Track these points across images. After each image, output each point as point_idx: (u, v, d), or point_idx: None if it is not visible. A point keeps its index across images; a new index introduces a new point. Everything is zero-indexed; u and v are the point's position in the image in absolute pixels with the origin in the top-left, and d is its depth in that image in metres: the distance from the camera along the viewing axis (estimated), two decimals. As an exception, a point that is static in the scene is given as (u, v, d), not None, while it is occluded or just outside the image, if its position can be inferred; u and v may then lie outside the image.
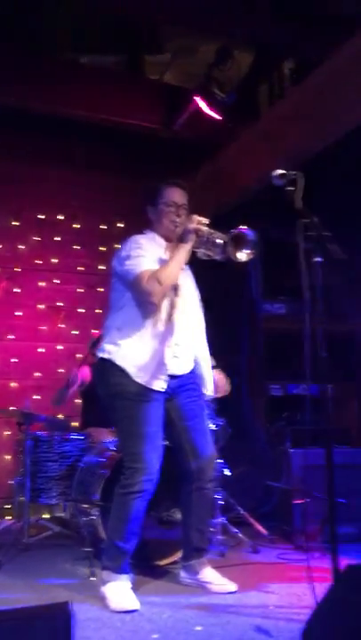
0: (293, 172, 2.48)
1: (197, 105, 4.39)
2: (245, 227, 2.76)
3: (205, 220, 2.85)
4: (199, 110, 4.47)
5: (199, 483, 2.94)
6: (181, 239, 2.85)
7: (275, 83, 4.97)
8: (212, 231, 2.82)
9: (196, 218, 2.85)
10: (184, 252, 2.83)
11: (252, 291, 5.39)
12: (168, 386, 2.88)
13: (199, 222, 2.83)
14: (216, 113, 4.27)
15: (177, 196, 2.98)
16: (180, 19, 4.16)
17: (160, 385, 2.81)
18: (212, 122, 4.65)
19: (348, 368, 4.99)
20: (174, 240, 2.93)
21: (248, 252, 2.75)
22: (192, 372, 3.02)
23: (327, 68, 4.01)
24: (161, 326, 2.85)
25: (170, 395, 2.91)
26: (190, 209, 3.01)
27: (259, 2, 3.87)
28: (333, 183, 4.93)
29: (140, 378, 2.79)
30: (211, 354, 3.29)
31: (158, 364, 2.82)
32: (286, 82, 4.85)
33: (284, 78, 4.89)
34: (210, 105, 4.27)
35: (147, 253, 2.86)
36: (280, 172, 2.53)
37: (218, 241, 2.79)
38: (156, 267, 2.81)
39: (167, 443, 3.19)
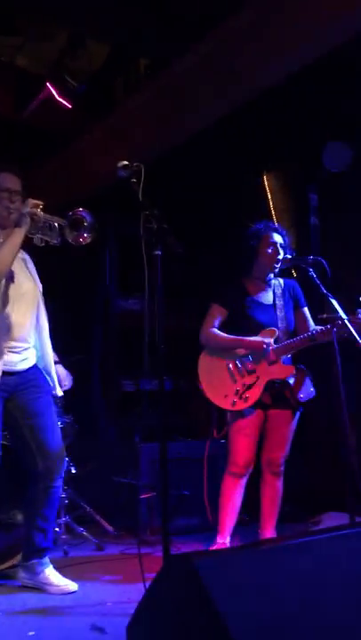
0: (136, 164, 2.46)
1: (49, 92, 4.25)
2: (83, 209, 2.71)
3: (41, 204, 2.76)
4: (52, 98, 4.33)
5: (47, 482, 2.84)
6: (17, 224, 2.74)
7: (130, 77, 4.96)
8: (49, 215, 2.74)
9: (32, 201, 2.76)
10: (19, 235, 2.72)
11: (107, 285, 5.36)
12: (7, 384, 2.75)
13: (35, 205, 2.74)
14: (67, 101, 4.17)
15: (10, 181, 2.85)
16: (29, 3, 4.00)
17: None
18: (65, 111, 4.53)
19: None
20: (9, 227, 2.80)
21: (86, 235, 2.70)
22: (35, 367, 2.91)
23: (179, 68, 4.06)
24: None
25: (10, 394, 2.79)
26: (40, 198, 2.90)
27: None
28: (181, 181, 5.05)
29: None
30: (60, 348, 3.20)
31: None
32: (141, 77, 4.86)
33: (139, 74, 4.89)
34: (61, 93, 4.16)
35: None
36: (124, 163, 2.51)
37: (55, 224, 2.73)
38: None
39: (5, 442, 3.05)
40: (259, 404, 3.16)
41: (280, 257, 3.27)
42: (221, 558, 1.54)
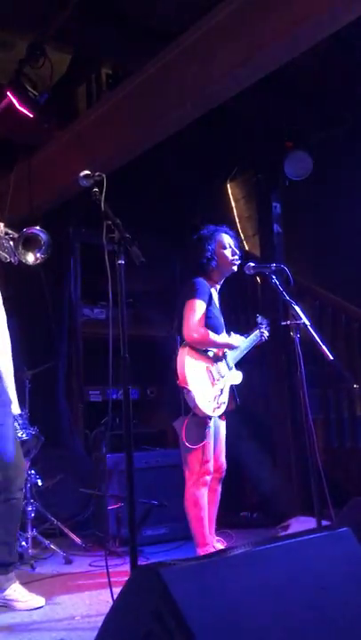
0: (98, 174, 2.45)
1: (10, 101, 4.21)
2: (38, 227, 2.68)
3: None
4: (12, 107, 4.29)
5: (7, 493, 2.78)
6: None
7: (92, 86, 4.96)
8: (8, 231, 2.71)
9: None
10: None
11: (71, 295, 5.33)
12: None
13: None
14: (28, 110, 4.13)
15: None
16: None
17: None
18: (27, 121, 4.49)
19: (166, 372, 5.10)
20: None
21: (39, 254, 2.66)
22: None
23: (142, 76, 4.08)
24: None
25: None
26: (4, 208, 2.87)
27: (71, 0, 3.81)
28: (144, 190, 5.07)
29: None
30: (25, 359, 3.15)
31: None
32: (103, 86, 4.87)
33: (101, 83, 4.90)
34: (21, 102, 4.12)
35: None
36: (85, 172, 2.50)
37: (10, 243, 2.68)
38: None
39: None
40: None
41: (237, 257, 3.30)
42: (188, 568, 1.54)
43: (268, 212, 5.07)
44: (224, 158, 5.45)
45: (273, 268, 3.20)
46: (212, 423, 3.14)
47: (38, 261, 2.69)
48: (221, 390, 3.17)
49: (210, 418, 3.10)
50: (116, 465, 3.95)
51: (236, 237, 3.46)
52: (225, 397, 3.19)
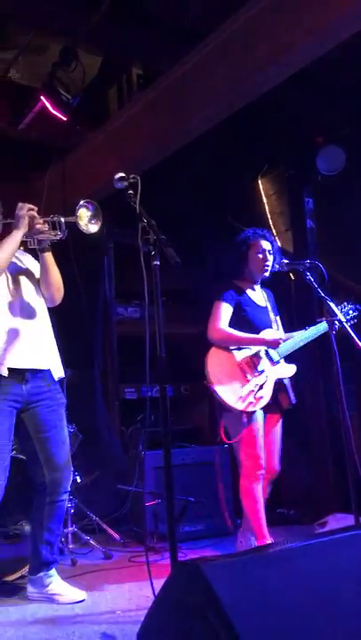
0: (132, 176, 2.49)
1: (44, 104, 4.28)
2: (83, 200, 2.79)
3: (34, 207, 2.83)
4: (46, 110, 4.37)
5: (53, 496, 2.84)
6: (14, 226, 2.81)
7: (123, 87, 5.00)
8: (47, 217, 2.84)
9: (26, 205, 2.82)
10: (17, 235, 2.78)
11: (105, 294, 5.39)
12: (21, 394, 2.76)
13: (30, 209, 2.81)
14: (61, 114, 4.20)
15: None
16: (21, 15, 4.04)
17: (5, 370, 2.70)
18: (60, 123, 4.56)
19: (199, 368, 5.13)
20: None
21: (96, 221, 2.79)
22: (48, 374, 2.89)
23: (174, 75, 4.10)
24: None
25: (23, 404, 2.79)
26: (39, 209, 2.94)
27: (103, 3, 3.85)
28: (183, 185, 5.09)
29: None
30: (62, 358, 3.20)
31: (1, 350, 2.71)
32: (134, 87, 4.90)
33: (132, 83, 4.94)
34: (55, 105, 4.19)
35: None
36: (120, 174, 2.54)
37: (62, 220, 2.80)
38: None
39: (17, 454, 3.06)
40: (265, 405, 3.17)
41: (269, 263, 3.34)
42: (229, 564, 1.56)
43: (300, 208, 5.04)
44: (255, 154, 5.44)
45: (307, 264, 3.21)
46: (257, 417, 3.14)
47: (99, 228, 2.81)
48: (261, 385, 3.17)
49: (246, 412, 3.12)
50: (153, 462, 4.00)
51: (274, 242, 3.45)
52: (265, 392, 3.17)
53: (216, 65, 3.74)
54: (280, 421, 3.33)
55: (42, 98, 4.23)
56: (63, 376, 2.99)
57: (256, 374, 3.18)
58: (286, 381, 3.28)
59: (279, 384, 3.25)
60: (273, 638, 1.42)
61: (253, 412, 3.14)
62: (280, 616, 1.49)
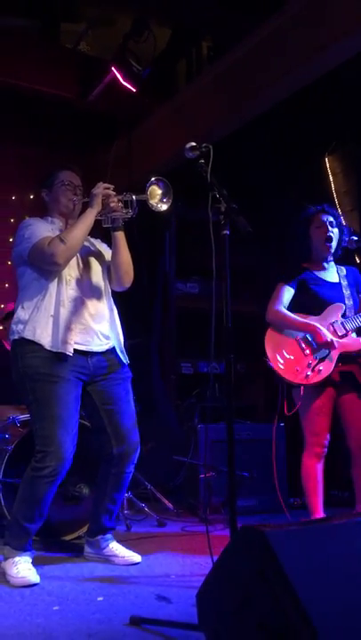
0: (205, 145, 2.48)
1: (114, 75, 4.30)
2: (154, 177, 2.79)
3: (111, 186, 2.85)
4: (115, 82, 4.39)
5: (120, 467, 2.88)
6: (89, 204, 2.83)
7: (193, 60, 4.97)
8: (120, 195, 2.84)
9: (102, 184, 2.84)
10: (91, 214, 2.80)
11: (166, 269, 5.41)
12: (87, 367, 2.79)
13: (105, 188, 2.83)
14: (131, 85, 4.21)
15: (73, 177, 2.98)
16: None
17: (71, 349, 2.73)
18: (128, 96, 4.58)
19: (256, 347, 5.10)
20: (72, 218, 2.92)
21: (167, 199, 2.79)
22: (113, 351, 2.93)
23: (244, 48, 4.05)
24: (66, 295, 2.78)
25: (90, 377, 2.82)
26: (105, 182, 2.97)
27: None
28: (249, 160, 5.02)
29: (51, 345, 2.70)
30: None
31: (68, 329, 2.73)
32: (204, 60, 4.86)
33: (202, 56, 4.90)
34: (125, 76, 4.20)
35: (43, 226, 2.85)
36: (192, 144, 2.53)
37: (134, 198, 2.80)
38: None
39: (85, 422, 3.13)
40: (329, 382, 3.13)
41: (332, 235, 3.25)
42: (293, 531, 1.57)
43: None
44: (324, 131, 5.31)
45: (376, 242, 3.13)
46: (321, 394, 3.12)
47: (169, 205, 2.81)
48: (321, 358, 3.13)
49: (304, 386, 3.10)
50: (210, 435, 4.03)
51: (338, 216, 3.37)
52: (326, 364, 3.12)
53: (291, 35, 3.67)
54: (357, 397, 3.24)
55: (112, 69, 4.24)
56: (128, 362, 2.99)
57: (316, 348, 3.14)
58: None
59: (353, 359, 3.19)
60: (334, 605, 1.42)
61: (316, 386, 3.10)
62: (342, 585, 1.48)
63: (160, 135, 4.74)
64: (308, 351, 3.14)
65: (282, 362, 3.13)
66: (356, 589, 1.50)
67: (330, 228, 3.26)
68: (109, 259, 3.00)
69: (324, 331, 3.14)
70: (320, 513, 3.12)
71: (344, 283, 3.31)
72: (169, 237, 5.45)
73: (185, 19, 4.52)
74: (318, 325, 3.14)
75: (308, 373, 3.10)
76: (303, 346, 3.16)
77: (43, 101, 4.96)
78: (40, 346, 2.71)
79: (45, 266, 2.76)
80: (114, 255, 2.96)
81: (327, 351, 3.13)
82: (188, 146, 2.51)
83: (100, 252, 3.05)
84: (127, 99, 4.58)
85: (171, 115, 4.71)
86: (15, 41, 4.73)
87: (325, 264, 3.32)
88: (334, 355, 3.14)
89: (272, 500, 4.07)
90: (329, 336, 3.12)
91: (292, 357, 3.13)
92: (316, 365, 3.10)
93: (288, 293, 3.25)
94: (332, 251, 3.29)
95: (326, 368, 3.12)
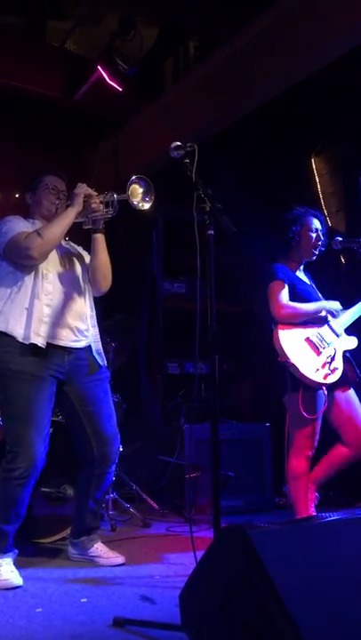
0: (190, 144, 2.47)
1: (100, 75, 4.28)
2: (135, 176, 2.77)
3: (91, 190, 2.85)
4: (102, 81, 4.37)
5: (102, 468, 2.86)
6: (70, 204, 2.82)
7: (180, 59, 4.96)
8: (102, 196, 2.83)
9: (84, 185, 2.84)
10: (72, 212, 2.79)
11: (153, 269, 5.40)
12: (62, 365, 2.77)
13: (87, 189, 2.83)
14: (117, 84, 4.19)
15: (57, 182, 2.98)
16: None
17: (44, 342, 2.70)
18: (114, 95, 4.56)
19: (242, 348, 5.10)
20: None
21: (149, 198, 2.77)
22: (90, 350, 2.91)
23: (232, 48, 4.04)
24: (42, 289, 2.75)
25: (65, 375, 2.79)
26: (91, 181, 2.97)
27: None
28: (234, 161, 5.03)
29: (24, 337, 2.67)
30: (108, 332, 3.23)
31: (41, 321, 2.71)
32: (191, 59, 4.85)
33: (189, 55, 4.89)
34: (111, 75, 4.18)
35: (22, 223, 2.84)
36: (177, 143, 2.52)
37: (115, 197, 2.79)
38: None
39: (61, 419, 3.11)
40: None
41: (320, 243, 3.27)
42: (276, 531, 1.56)
43: (354, 188, 4.93)
44: (309, 132, 5.33)
45: (361, 241, 3.15)
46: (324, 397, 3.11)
47: (151, 204, 2.79)
48: (331, 357, 3.12)
49: (323, 386, 3.07)
50: (195, 435, 4.02)
51: (323, 223, 3.38)
52: (338, 363, 3.13)
53: (279, 35, 3.67)
54: (354, 393, 3.24)
55: (99, 68, 4.22)
56: (105, 364, 2.97)
57: (325, 346, 3.14)
58: (348, 354, 3.24)
59: (345, 358, 3.21)
60: (318, 604, 1.42)
61: (330, 387, 3.09)
62: (326, 585, 1.48)
63: (147, 135, 4.73)
64: (321, 350, 3.12)
65: (301, 362, 3.04)
66: (340, 587, 1.50)
67: (321, 236, 3.27)
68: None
69: (332, 302, 3.20)
70: (308, 512, 3.11)
71: (313, 286, 3.34)
72: (156, 237, 5.45)
73: (173, 17, 4.50)
74: (324, 302, 3.20)
75: (327, 373, 3.07)
76: (315, 345, 3.13)
77: (28, 100, 4.92)
78: (12, 338, 2.68)
79: (20, 260, 2.74)
80: (92, 257, 2.95)
81: (334, 350, 3.14)
82: (173, 145, 2.51)
83: (81, 253, 3.04)
84: (114, 98, 4.56)
85: (158, 114, 4.70)
86: (0, 38, 4.69)
87: (301, 266, 3.35)
88: (340, 354, 3.16)
89: (258, 500, 4.09)
90: (336, 304, 3.20)
91: (308, 357, 3.07)
92: (330, 364, 3.09)
93: (286, 289, 3.20)
94: (314, 258, 3.32)
95: (339, 367, 3.12)
